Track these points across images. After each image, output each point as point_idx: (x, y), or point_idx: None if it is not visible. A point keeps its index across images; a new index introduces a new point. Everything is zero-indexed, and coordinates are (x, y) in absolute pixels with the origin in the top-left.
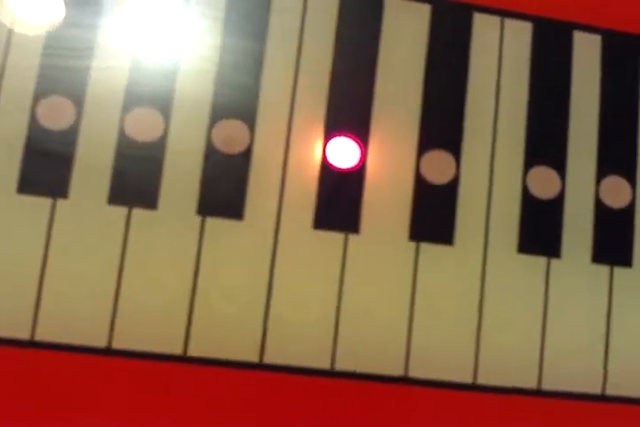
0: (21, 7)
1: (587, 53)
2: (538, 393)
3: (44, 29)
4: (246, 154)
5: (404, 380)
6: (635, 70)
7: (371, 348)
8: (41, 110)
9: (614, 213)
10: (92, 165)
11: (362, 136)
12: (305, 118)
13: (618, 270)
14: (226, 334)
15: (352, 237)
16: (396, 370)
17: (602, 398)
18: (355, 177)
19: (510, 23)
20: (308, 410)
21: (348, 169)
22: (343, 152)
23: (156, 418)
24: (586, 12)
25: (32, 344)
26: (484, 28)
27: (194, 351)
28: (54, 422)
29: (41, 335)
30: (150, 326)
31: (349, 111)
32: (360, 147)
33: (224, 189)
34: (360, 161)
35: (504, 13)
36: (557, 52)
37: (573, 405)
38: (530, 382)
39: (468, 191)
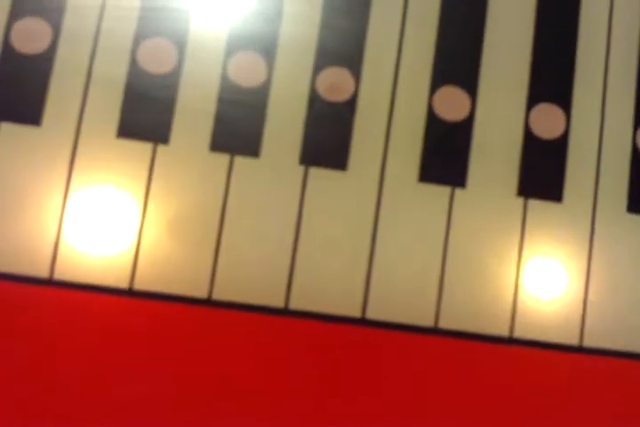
0: None
1: None
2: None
3: None
4: (351, 102)
5: (510, 340)
6: None
7: (475, 306)
8: (142, 53)
9: None
10: (194, 111)
11: (470, 87)
12: (412, 66)
13: None
14: (328, 287)
15: (458, 191)
16: (501, 330)
17: None
18: (462, 129)
19: None
20: (410, 367)
21: (455, 120)
22: (451, 103)
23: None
24: None
25: (122, 292)
26: None
27: (295, 304)
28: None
29: (139, 285)
30: (251, 278)
31: (458, 60)
32: (469, 97)
33: (328, 138)
34: (468, 112)
35: None
36: None
37: None
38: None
39: (578, 146)
